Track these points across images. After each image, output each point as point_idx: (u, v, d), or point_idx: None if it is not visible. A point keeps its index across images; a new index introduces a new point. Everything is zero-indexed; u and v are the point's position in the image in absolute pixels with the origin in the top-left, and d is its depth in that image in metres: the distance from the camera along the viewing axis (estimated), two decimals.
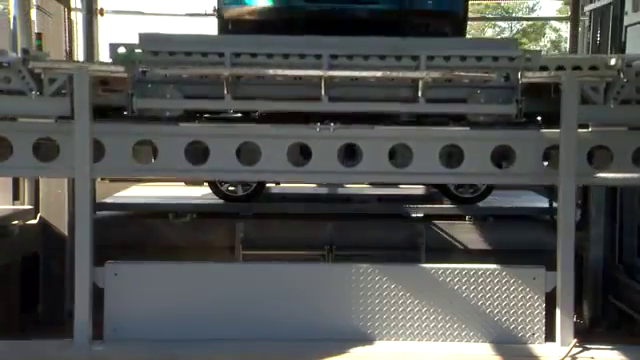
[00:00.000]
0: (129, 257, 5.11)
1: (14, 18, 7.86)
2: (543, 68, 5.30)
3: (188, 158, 4.51)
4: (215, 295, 4.55)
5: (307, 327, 4.49)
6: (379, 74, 4.46)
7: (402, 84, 4.54)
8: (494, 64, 4.53)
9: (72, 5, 9.07)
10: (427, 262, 5.14)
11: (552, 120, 4.43)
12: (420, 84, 4.44)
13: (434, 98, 4.54)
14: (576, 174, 4.37)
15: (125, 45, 4.54)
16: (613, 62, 4.55)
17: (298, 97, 4.54)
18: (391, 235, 6.88)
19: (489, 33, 46.92)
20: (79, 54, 9.04)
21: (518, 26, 45.00)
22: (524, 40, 46.22)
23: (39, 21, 8.18)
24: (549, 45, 46.87)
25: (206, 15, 12.26)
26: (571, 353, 4.35)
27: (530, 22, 44.34)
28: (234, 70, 4.44)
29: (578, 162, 4.37)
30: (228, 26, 5.67)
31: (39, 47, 8.09)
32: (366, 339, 4.50)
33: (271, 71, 4.46)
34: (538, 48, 46.44)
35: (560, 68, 4.54)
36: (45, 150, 4.48)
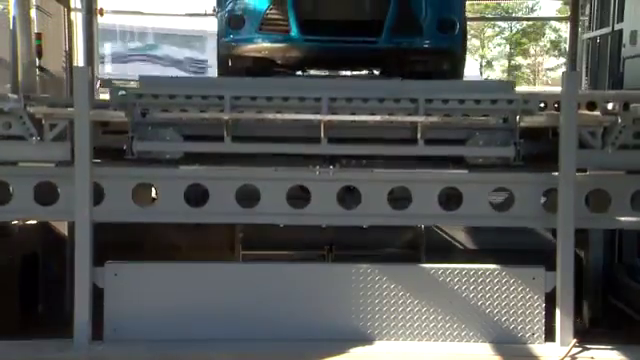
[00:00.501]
0: (129, 257, 5.12)
1: (14, 18, 7.86)
2: (542, 103, 5.39)
3: (188, 201, 4.55)
4: (215, 295, 4.55)
5: (307, 327, 4.49)
6: (378, 118, 4.52)
7: (401, 126, 4.58)
8: (492, 107, 4.59)
9: (72, 5, 9.09)
10: (427, 262, 5.13)
11: (551, 159, 4.46)
12: (419, 127, 4.50)
13: (433, 139, 4.58)
14: (575, 218, 4.40)
15: (126, 89, 4.62)
16: (610, 106, 4.60)
17: (298, 137, 4.58)
18: (391, 235, 6.88)
19: (489, 33, 46.99)
20: (79, 54, 9.05)
21: (518, 26, 45.03)
22: (524, 40, 46.30)
23: (39, 21, 8.20)
24: (549, 45, 46.89)
25: (205, 15, 12.28)
26: (571, 353, 4.35)
27: (530, 22, 44.36)
28: (234, 115, 4.50)
29: (576, 206, 4.40)
30: (228, 62, 5.72)
31: (39, 47, 8.10)
32: (366, 339, 4.50)
33: (270, 115, 4.52)
34: (538, 49, 46.50)
35: (559, 104, 4.56)
36: (45, 193, 4.51)
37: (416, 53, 5.60)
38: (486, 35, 47.22)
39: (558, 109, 4.59)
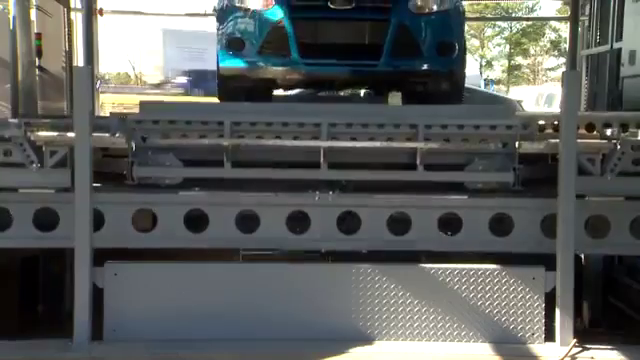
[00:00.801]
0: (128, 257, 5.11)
1: (14, 18, 7.86)
2: (541, 127, 5.43)
3: (188, 226, 4.57)
4: (215, 295, 4.55)
5: (307, 327, 4.49)
6: (378, 144, 4.56)
7: (401, 151, 4.62)
8: (491, 132, 4.62)
9: (72, 5, 9.09)
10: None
11: (550, 183, 4.49)
12: (418, 153, 4.54)
13: (432, 164, 4.62)
14: (574, 243, 4.42)
15: (126, 115, 4.65)
16: (609, 132, 4.64)
17: (298, 162, 4.61)
18: None
19: (489, 33, 46.99)
20: (79, 54, 9.05)
21: (518, 26, 45.04)
22: (524, 40, 46.31)
23: (39, 21, 8.20)
24: (549, 45, 46.88)
25: (205, 15, 12.29)
26: (571, 353, 4.35)
27: (530, 22, 44.34)
28: (234, 141, 4.54)
29: (576, 232, 4.41)
30: (228, 83, 5.73)
31: (39, 47, 8.10)
32: (366, 339, 4.50)
33: (270, 141, 4.55)
34: (538, 49, 46.48)
35: (556, 126, 4.58)
36: (45, 219, 4.54)
37: (416, 75, 5.64)
38: (486, 35, 47.25)
39: (557, 129, 4.61)
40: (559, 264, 4.48)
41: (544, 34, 46.35)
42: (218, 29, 5.74)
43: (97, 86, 9.53)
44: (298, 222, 4.58)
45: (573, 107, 4.49)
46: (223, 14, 5.65)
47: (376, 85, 6.08)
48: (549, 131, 5.10)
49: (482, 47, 47.44)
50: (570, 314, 4.45)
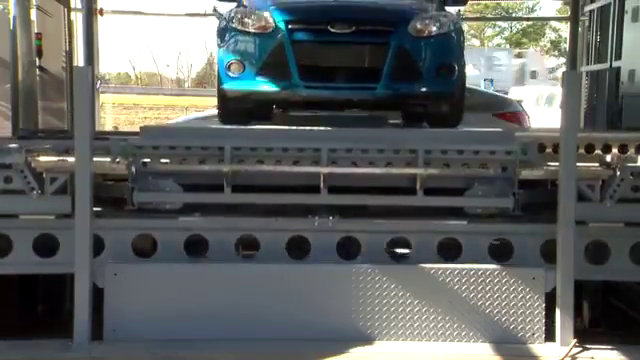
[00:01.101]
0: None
1: (14, 18, 7.86)
2: (540, 145, 5.46)
3: (188, 251, 4.61)
4: (215, 295, 4.55)
5: (307, 327, 4.49)
6: (378, 171, 4.60)
7: (400, 175, 4.66)
8: (491, 157, 4.64)
9: (72, 5, 9.09)
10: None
11: (550, 208, 4.51)
12: (418, 178, 4.57)
13: (432, 188, 4.65)
14: (574, 269, 4.43)
15: (127, 140, 4.69)
16: (609, 159, 4.68)
17: (298, 186, 4.64)
18: None
19: (489, 33, 47.01)
20: (79, 54, 9.05)
21: (518, 26, 45.07)
22: (524, 40, 46.33)
23: (39, 21, 8.20)
24: (549, 45, 46.90)
25: (205, 15, 12.29)
26: (571, 353, 4.35)
27: (530, 22, 44.36)
28: (234, 167, 4.58)
29: (575, 258, 4.42)
30: (228, 104, 5.77)
31: (39, 47, 8.10)
32: (366, 339, 4.49)
33: (270, 167, 4.60)
34: (538, 49, 46.46)
35: (556, 147, 4.60)
36: (45, 245, 4.57)
37: (415, 98, 5.66)
38: (486, 35, 47.30)
39: (556, 151, 4.62)
40: (559, 264, 4.48)
41: (544, 34, 46.40)
42: (219, 50, 5.76)
43: (97, 86, 9.53)
44: (298, 247, 4.62)
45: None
46: (223, 35, 5.66)
47: (376, 107, 6.11)
48: (549, 150, 5.19)
49: (482, 47, 47.45)
50: (570, 314, 4.44)
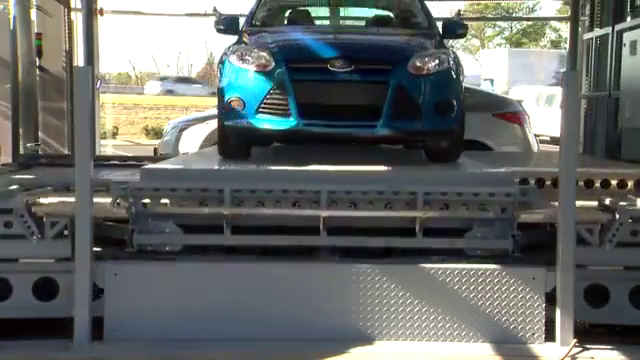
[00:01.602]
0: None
1: (14, 18, 7.87)
2: (539, 181, 5.45)
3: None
4: (215, 295, 4.55)
5: (307, 327, 4.49)
6: (377, 214, 4.63)
7: (400, 217, 4.69)
8: (490, 199, 4.66)
9: (72, 5, 9.09)
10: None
11: (549, 249, 4.52)
12: (417, 220, 4.60)
13: (432, 228, 4.68)
14: (574, 312, 4.44)
15: (127, 183, 4.72)
16: (608, 202, 4.69)
17: (298, 227, 4.66)
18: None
19: (489, 33, 47.02)
20: (79, 54, 9.05)
21: (518, 26, 45.10)
22: (524, 40, 46.35)
23: (39, 21, 8.20)
24: (549, 45, 46.90)
25: (205, 15, 12.30)
26: (571, 353, 4.35)
27: (530, 22, 44.38)
28: (234, 210, 4.62)
29: (575, 300, 4.43)
30: (227, 140, 5.81)
31: (39, 47, 8.11)
32: (366, 339, 4.50)
33: (270, 210, 4.65)
34: (537, 48, 46.46)
35: (556, 181, 4.62)
36: (45, 288, 4.58)
37: (415, 135, 5.69)
38: (486, 35, 47.30)
39: (555, 185, 4.63)
40: (559, 264, 4.48)
41: (544, 34, 46.42)
42: (219, 85, 5.79)
43: (97, 86, 9.53)
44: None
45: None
46: (224, 72, 5.68)
47: (375, 143, 6.17)
48: (548, 183, 5.28)
49: (482, 47, 47.48)
50: (570, 314, 4.44)
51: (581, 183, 4.99)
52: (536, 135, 9.18)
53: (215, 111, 8.41)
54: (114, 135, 24.42)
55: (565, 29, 30.06)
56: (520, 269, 4.54)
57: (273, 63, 5.32)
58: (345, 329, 4.50)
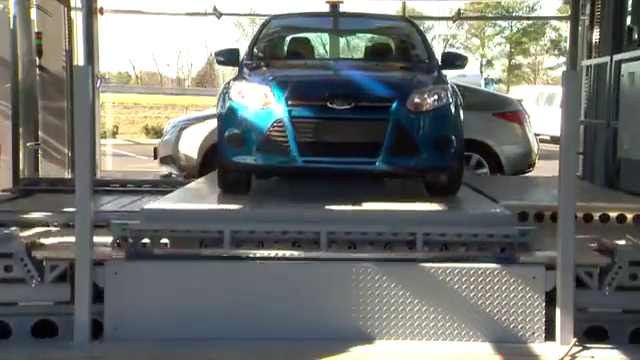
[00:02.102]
0: None
1: (14, 17, 7.87)
2: (539, 215, 5.48)
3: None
4: (215, 294, 4.55)
5: (307, 326, 4.50)
6: (377, 255, 4.66)
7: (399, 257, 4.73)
8: (490, 239, 4.70)
9: (72, 4, 9.08)
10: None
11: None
12: (417, 261, 4.63)
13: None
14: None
15: (127, 224, 4.73)
16: (607, 243, 4.71)
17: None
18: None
19: (489, 32, 46.99)
20: (79, 53, 9.04)
21: (518, 25, 45.07)
22: (524, 39, 46.32)
23: (39, 20, 8.20)
24: (549, 44, 46.87)
25: (206, 14, 12.28)
26: (571, 352, 4.35)
27: (530, 21, 44.33)
28: (233, 251, 4.67)
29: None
30: (227, 174, 5.84)
31: (39, 46, 8.11)
32: (366, 338, 4.50)
33: (270, 252, 4.67)
34: (538, 48, 46.46)
35: (555, 215, 4.64)
36: (44, 330, 4.57)
37: (414, 171, 5.70)
38: (486, 34, 47.26)
39: (554, 220, 4.63)
40: (559, 263, 4.48)
41: (544, 33, 46.37)
42: (219, 121, 5.81)
43: (98, 85, 9.52)
44: None
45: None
46: (224, 108, 5.69)
47: (375, 177, 6.20)
48: (547, 213, 5.30)
49: (483, 46, 47.47)
50: (570, 314, 4.44)
51: (580, 215, 4.97)
52: (536, 134, 9.18)
53: (214, 110, 8.45)
54: (114, 134, 24.43)
55: (565, 28, 30.04)
56: (520, 268, 4.54)
57: (273, 100, 5.34)
58: (345, 328, 4.50)
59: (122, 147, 19.09)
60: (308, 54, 6.98)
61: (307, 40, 7.31)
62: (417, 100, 5.38)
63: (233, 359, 4.29)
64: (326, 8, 10.64)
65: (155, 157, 9.32)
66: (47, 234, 4.99)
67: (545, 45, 47.48)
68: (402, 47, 7.13)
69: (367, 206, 5.15)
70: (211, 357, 4.31)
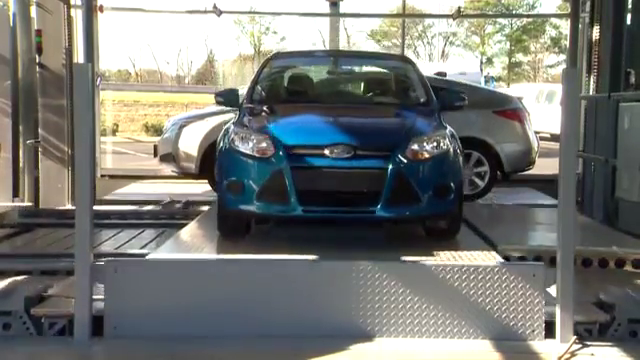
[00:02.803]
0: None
1: (14, 15, 7.87)
2: (537, 258, 5.55)
3: None
4: (215, 292, 4.55)
5: (308, 324, 4.50)
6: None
7: None
8: None
9: (72, 2, 9.07)
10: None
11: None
12: None
13: None
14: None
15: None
16: (603, 297, 4.73)
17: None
18: None
19: (489, 30, 46.97)
20: (79, 51, 9.03)
21: (518, 23, 45.03)
22: (524, 37, 46.29)
23: (39, 18, 8.20)
24: (549, 42, 46.85)
25: (206, 12, 12.27)
26: (571, 350, 4.35)
27: (530, 19, 44.30)
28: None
29: None
30: (227, 220, 5.87)
31: (39, 44, 8.10)
32: (366, 336, 4.50)
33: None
34: (538, 46, 46.44)
35: (554, 259, 4.64)
36: None
37: (413, 218, 5.73)
38: (486, 32, 47.22)
39: (553, 264, 4.64)
40: (559, 261, 4.48)
41: (544, 31, 46.33)
42: (218, 162, 5.82)
43: (97, 83, 9.52)
44: None
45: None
46: (224, 153, 5.70)
47: (374, 224, 6.17)
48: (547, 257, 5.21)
49: (483, 44, 47.42)
50: (570, 311, 4.45)
51: (579, 261, 4.97)
52: (536, 132, 9.17)
53: (214, 108, 8.44)
54: (114, 132, 24.43)
55: (565, 26, 30.03)
56: (520, 266, 4.55)
57: (273, 149, 5.36)
58: (345, 326, 4.50)
59: (122, 145, 19.08)
60: (308, 96, 6.91)
61: (307, 81, 7.31)
62: (416, 148, 5.42)
63: (233, 357, 4.29)
64: (326, 7, 10.64)
65: (155, 155, 9.31)
66: (45, 287, 4.94)
67: (545, 43, 47.45)
68: (401, 87, 7.11)
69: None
70: (211, 355, 4.31)
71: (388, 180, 5.25)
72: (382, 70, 7.72)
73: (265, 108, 6.24)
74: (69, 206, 8.06)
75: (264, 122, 5.83)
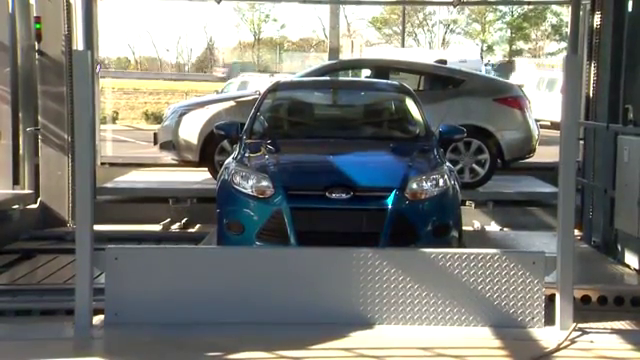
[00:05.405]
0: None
1: (12, 1, 7.82)
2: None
3: None
4: (216, 279, 4.56)
5: (308, 311, 4.51)
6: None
7: None
8: None
9: None
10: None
11: None
12: None
13: None
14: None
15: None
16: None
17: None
18: None
19: (490, 17, 46.82)
20: (78, 38, 8.99)
21: (519, 10, 44.87)
22: (525, 25, 46.14)
23: (38, 4, 8.15)
24: (550, 29, 46.70)
25: (205, 0, 12.25)
26: (570, 337, 4.37)
27: (531, 6, 44.11)
28: None
29: None
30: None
31: (38, 31, 8.06)
32: (366, 323, 4.52)
33: None
34: (539, 33, 46.27)
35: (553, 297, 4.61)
36: None
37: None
38: (487, 19, 47.07)
39: (552, 300, 4.60)
40: (559, 249, 4.48)
41: (545, 18, 46.18)
42: (218, 202, 5.78)
43: (97, 70, 9.48)
44: None
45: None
46: (224, 195, 5.68)
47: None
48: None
49: (483, 32, 47.28)
50: (570, 299, 4.46)
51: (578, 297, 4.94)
52: (537, 120, 9.16)
53: (214, 96, 8.42)
54: (114, 120, 24.39)
55: (566, 13, 29.92)
56: (520, 254, 4.56)
57: (272, 190, 5.33)
58: (345, 313, 4.52)
59: (122, 133, 19.04)
60: (308, 131, 6.80)
61: (306, 115, 7.24)
62: (415, 188, 5.39)
63: (234, 343, 4.30)
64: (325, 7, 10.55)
65: (155, 143, 9.30)
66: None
67: (546, 30, 47.31)
68: (400, 121, 6.98)
69: None
70: (212, 341, 4.32)
71: (387, 220, 5.22)
72: (381, 101, 7.57)
73: (265, 144, 6.12)
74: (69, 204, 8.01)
75: (263, 162, 5.74)
